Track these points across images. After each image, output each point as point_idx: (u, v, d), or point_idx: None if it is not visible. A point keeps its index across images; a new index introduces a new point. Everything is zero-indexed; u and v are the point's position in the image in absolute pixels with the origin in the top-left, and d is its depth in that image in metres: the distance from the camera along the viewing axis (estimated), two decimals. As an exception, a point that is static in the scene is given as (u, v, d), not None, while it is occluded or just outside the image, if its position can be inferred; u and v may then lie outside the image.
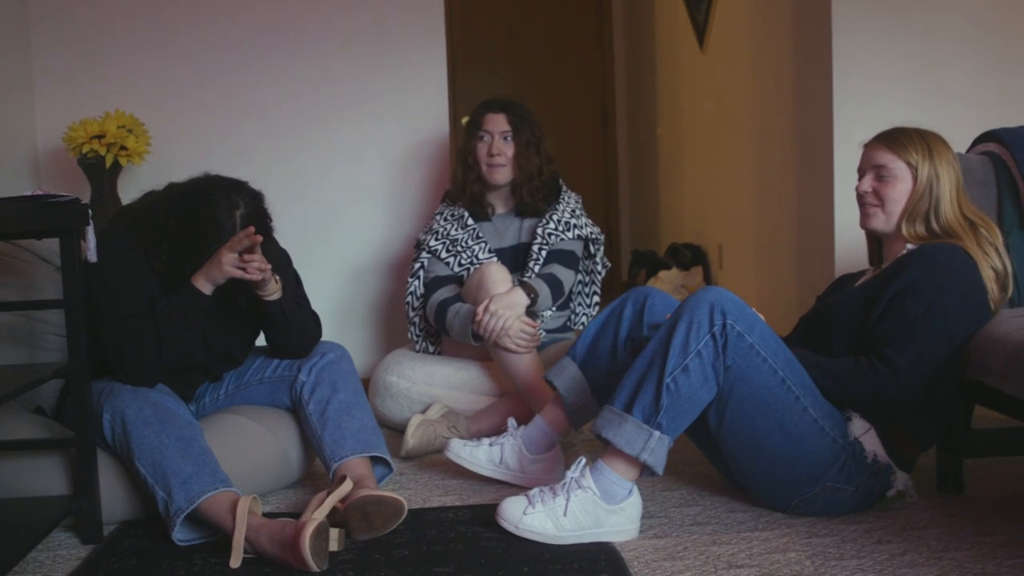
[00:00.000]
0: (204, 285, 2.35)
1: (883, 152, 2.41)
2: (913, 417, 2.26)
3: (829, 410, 2.24)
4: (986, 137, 2.81)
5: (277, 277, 2.47)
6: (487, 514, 2.31)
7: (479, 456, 2.55)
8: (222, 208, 2.33)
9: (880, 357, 2.21)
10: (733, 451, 2.28)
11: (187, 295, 2.35)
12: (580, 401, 2.50)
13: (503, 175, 3.20)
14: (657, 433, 2.13)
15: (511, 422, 2.60)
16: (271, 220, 2.45)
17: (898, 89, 3.54)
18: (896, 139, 2.41)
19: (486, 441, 2.57)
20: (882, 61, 3.55)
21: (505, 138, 3.20)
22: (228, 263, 2.32)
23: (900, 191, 2.39)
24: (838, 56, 3.55)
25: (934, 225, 2.37)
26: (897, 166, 2.39)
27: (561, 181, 3.30)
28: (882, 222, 2.43)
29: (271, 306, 2.47)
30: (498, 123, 3.21)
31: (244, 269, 2.33)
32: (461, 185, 3.25)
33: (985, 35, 3.57)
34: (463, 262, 3.17)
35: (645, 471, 2.18)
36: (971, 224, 2.38)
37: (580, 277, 3.29)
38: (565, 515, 2.16)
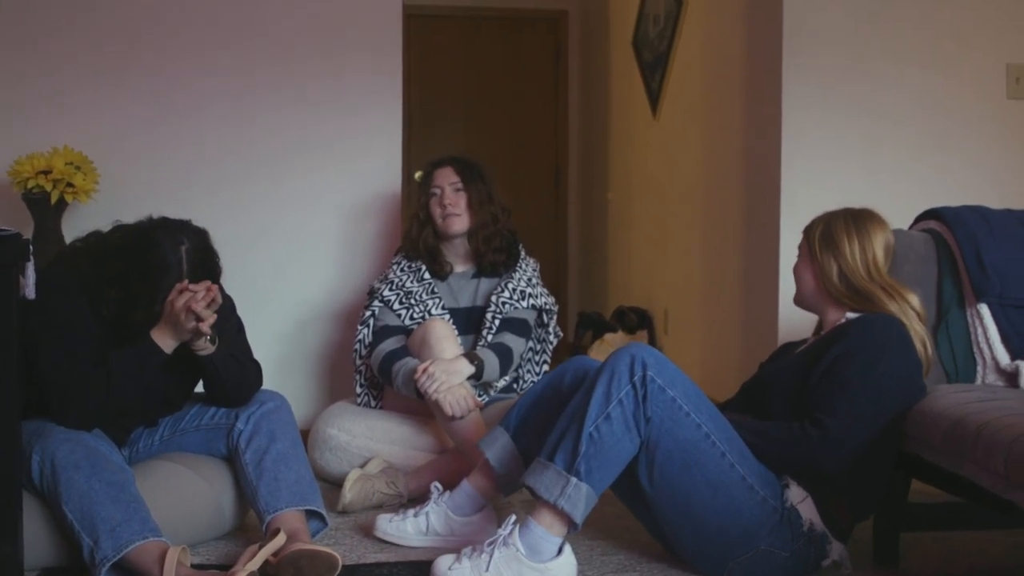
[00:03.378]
0: (167, 343, 2.32)
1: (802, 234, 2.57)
2: (846, 485, 2.28)
3: (760, 470, 2.25)
4: (928, 215, 2.87)
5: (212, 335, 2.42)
6: (422, 571, 2.28)
7: (406, 529, 2.54)
8: (167, 246, 2.31)
9: (813, 421, 2.24)
10: (666, 513, 2.27)
11: (145, 350, 2.31)
12: (511, 471, 2.48)
13: (460, 224, 3.19)
14: (575, 480, 2.13)
15: (434, 488, 2.59)
16: (219, 258, 2.43)
17: (844, 164, 3.62)
18: (810, 222, 2.55)
19: (411, 512, 2.56)
20: (829, 136, 3.63)
21: (456, 189, 3.20)
22: (185, 320, 2.28)
23: (803, 266, 2.53)
24: (787, 129, 3.62)
25: (853, 284, 2.43)
26: (802, 242, 2.55)
27: (521, 247, 3.30)
28: (799, 298, 2.57)
29: (203, 360, 2.44)
30: (447, 176, 3.22)
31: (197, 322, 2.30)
32: (415, 241, 3.24)
33: (929, 115, 3.67)
34: (415, 315, 3.15)
35: (571, 525, 2.16)
36: (891, 289, 2.43)
37: (531, 344, 3.28)
38: (487, 570, 2.14)
